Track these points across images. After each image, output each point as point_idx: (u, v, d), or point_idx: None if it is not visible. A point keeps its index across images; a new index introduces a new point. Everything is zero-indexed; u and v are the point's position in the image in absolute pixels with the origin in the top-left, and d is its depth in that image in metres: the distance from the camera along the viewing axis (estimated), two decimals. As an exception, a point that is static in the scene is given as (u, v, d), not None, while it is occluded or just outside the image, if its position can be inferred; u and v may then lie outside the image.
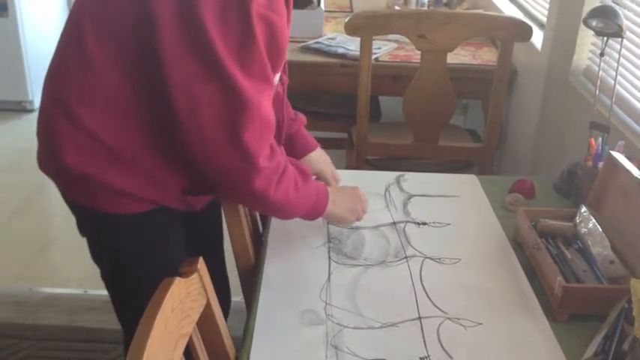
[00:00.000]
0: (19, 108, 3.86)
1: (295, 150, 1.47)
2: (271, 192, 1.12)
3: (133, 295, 1.19)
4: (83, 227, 1.25)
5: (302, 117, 1.51)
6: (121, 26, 1.06)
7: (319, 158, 1.49)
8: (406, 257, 1.30)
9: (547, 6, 2.18)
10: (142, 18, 1.01)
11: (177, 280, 0.89)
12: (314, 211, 1.27)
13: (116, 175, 1.11)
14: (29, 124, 3.77)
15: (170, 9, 0.98)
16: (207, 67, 1.00)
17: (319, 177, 1.46)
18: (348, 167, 2.38)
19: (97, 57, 1.07)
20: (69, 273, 2.45)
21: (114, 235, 1.20)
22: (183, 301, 0.90)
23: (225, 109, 1.03)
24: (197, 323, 0.95)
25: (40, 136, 1.17)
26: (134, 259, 1.22)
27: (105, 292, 2.31)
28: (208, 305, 0.98)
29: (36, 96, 3.88)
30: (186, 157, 1.09)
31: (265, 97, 1.08)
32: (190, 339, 0.93)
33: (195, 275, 0.94)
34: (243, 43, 1.01)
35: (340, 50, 2.39)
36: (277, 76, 1.19)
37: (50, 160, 1.16)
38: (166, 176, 1.15)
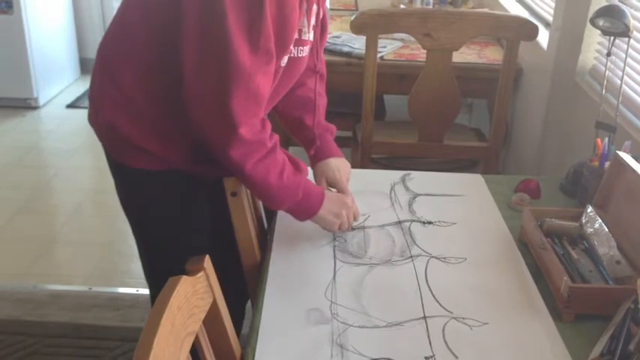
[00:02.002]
0: (24, 105, 3.87)
1: (315, 153, 1.46)
2: (248, 166, 1.16)
3: (156, 250, 1.38)
4: (115, 182, 1.37)
5: (332, 127, 1.52)
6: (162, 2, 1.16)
7: (338, 167, 1.45)
8: (411, 256, 1.30)
9: (553, 5, 2.18)
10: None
11: (184, 279, 0.89)
12: (303, 209, 1.28)
13: (139, 132, 1.23)
14: (34, 121, 3.78)
15: None
16: (214, 34, 1.07)
17: (332, 185, 1.42)
18: (353, 166, 2.35)
19: (137, 30, 1.19)
20: (74, 270, 2.46)
21: (135, 188, 1.33)
22: (189, 299, 0.90)
23: (218, 75, 1.09)
24: (203, 321, 0.95)
25: (89, 94, 1.32)
26: (152, 213, 1.34)
27: (109, 290, 2.35)
28: (214, 303, 0.98)
29: (41, 93, 3.89)
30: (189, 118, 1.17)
31: (262, 70, 1.13)
32: (197, 337, 0.93)
33: (201, 273, 0.95)
34: (253, 14, 1.08)
35: (345, 49, 2.39)
36: (285, 59, 1.22)
37: (93, 114, 1.30)
38: (181, 139, 1.24)
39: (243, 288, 1.42)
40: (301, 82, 1.41)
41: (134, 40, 1.21)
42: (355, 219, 1.36)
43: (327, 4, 2.69)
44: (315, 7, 1.26)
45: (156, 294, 0.86)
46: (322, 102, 1.50)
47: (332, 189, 1.40)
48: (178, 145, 1.26)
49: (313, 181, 1.42)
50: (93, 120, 1.32)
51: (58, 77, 4.12)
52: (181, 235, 1.34)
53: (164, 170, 1.28)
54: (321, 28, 1.37)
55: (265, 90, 1.16)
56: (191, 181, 1.32)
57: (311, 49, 1.32)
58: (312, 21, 1.26)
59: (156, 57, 1.20)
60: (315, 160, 1.46)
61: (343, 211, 1.32)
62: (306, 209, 1.28)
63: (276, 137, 1.22)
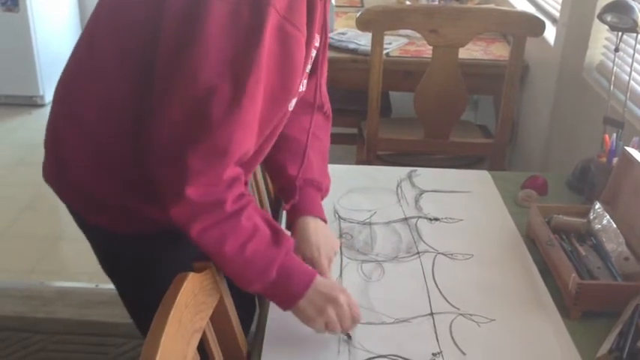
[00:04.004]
0: (29, 103, 3.87)
1: (291, 208, 1.20)
2: (194, 230, 0.93)
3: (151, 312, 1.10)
4: (95, 247, 1.19)
5: (325, 182, 1.24)
6: (136, 28, 0.97)
7: (317, 241, 1.15)
8: (418, 253, 1.29)
9: (560, 0, 2.17)
10: (157, 20, 0.92)
11: (191, 276, 0.89)
12: (278, 294, 1.01)
13: (121, 191, 1.04)
14: (40, 119, 3.78)
15: (179, 6, 0.89)
16: (184, 69, 0.88)
17: (309, 259, 1.14)
18: (359, 162, 2.37)
19: (109, 61, 1.00)
20: (80, 267, 2.46)
21: (121, 255, 1.13)
22: (196, 296, 0.90)
23: (181, 121, 0.90)
24: (210, 318, 0.95)
25: (47, 145, 1.10)
26: (144, 279, 1.12)
27: (116, 287, 2.33)
28: (221, 300, 0.98)
29: (47, 91, 3.89)
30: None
31: (241, 122, 0.92)
32: (204, 334, 0.93)
33: (208, 271, 0.95)
34: (244, 55, 0.88)
35: (351, 45, 2.38)
36: (293, 102, 1.06)
37: (55, 170, 1.10)
38: None
39: (250, 300, 1.36)
40: (295, 117, 1.14)
41: (108, 83, 1.00)
42: (353, 322, 1.03)
43: (333, 0, 2.69)
44: (317, 37, 1.06)
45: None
46: (319, 146, 1.25)
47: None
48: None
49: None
50: (52, 175, 1.11)
51: (64, 75, 4.13)
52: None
53: (153, 231, 1.07)
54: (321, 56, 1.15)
55: (241, 147, 0.94)
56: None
57: (309, 82, 1.12)
58: (312, 53, 1.06)
59: (136, 104, 0.99)
60: (291, 216, 1.19)
61: (329, 309, 1.00)
62: (281, 294, 1.01)
63: (247, 200, 0.98)
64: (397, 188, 1.54)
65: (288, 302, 1.01)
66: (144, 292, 1.05)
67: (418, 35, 2.09)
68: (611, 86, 1.58)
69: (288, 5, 0.92)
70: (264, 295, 1.03)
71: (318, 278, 1.03)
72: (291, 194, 1.18)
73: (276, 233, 1.00)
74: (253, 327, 1.11)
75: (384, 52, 2.16)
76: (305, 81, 1.08)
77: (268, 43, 0.90)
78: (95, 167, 1.04)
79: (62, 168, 1.07)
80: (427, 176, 1.60)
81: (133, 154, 1.01)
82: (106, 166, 1.04)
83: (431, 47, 2.05)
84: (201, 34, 0.86)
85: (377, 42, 2.03)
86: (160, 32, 0.91)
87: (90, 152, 1.04)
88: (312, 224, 1.16)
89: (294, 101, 1.06)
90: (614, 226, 1.21)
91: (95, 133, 1.03)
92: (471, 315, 1.12)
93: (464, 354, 1.03)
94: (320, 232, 1.16)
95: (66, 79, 1.08)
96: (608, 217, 1.24)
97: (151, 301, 0.86)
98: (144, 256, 1.12)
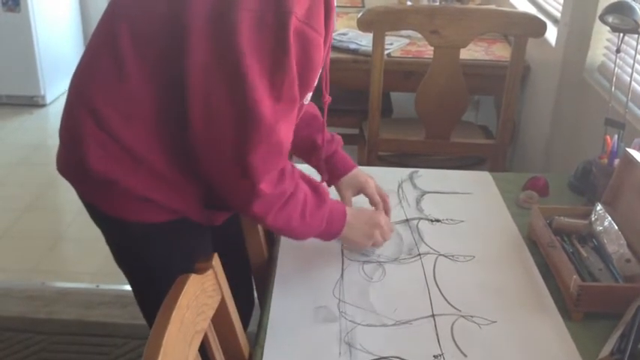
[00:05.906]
0: (30, 103, 3.88)
1: (335, 171, 1.38)
2: (269, 218, 1.08)
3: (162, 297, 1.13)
4: (110, 237, 1.21)
5: (338, 138, 1.42)
6: (155, 28, 1.02)
7: (360, 173, 1.39)
8: (419, 254, 1.29)
9: (561, 1, 2.16)
10: (177, 20, 0.96)
11: (193, 277, 0.89)
12: (325, 234, 1.21)
13: (139, 182, 1.07)
14: (41, 119, 3.79)
15: (204, 12, 0.94)
16: (229, 79, 0.95)
17: (363, 191, 1.36)
18: (360, 163, 2.37)
19: (129, 60, 1.03)
20: (81, 267, 2.47)
21: (138, 245, 1.16)
22: (198, 297, 0.90)
23: (236, 127, 0.98)
24: (212, 319, 0.95)
25: (63, 136, 1.13)
26: (160, 269, 1.15)
27: (117, 287, 2.36)
28: (223, 301, 0.98)
29: (48, 91, 3.90)
30: (197, 168, 1.06)
31: (285, 118, 1.02)
32: (205, 335, 0.93)
33: (210, 272, 0.94)
34: (276, 59, 0.96)
35: (352, 46, 2.38)
36: (309, 96, 1.13)
37: (72, 162, 1.12)
38: (188, 187, 1.11)
39: (249, 296, 1.39)
40: None
41: (127, 78, 1.03)
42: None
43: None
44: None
45: None
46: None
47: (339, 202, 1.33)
48: (186, 193, 1.11)
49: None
50: (68, 168, 1.14)
51: (65, 75, 4.10)
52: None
53: (171, 220, 1.13)
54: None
55: (288, 138, 1.05)
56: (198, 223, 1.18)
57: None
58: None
59: (152, 99, 1.04)
60: (338, 177, 1.37)
61: (376, 232, 1.23)
62: (328, 234, 1.21)
63: (296, 172, 1.12)
64: (398, 189, 1.54)
65: (332, 236, 1.21)
66: (160, 285, 1.06)
67: (419, 36, 2.09)
68: (613, 87, 1.58)
69: (308, 10, 0.98)
70: (314, 237, 1.20)
71: (355, 212, 1.23)
72: (327, 160, 1.37)
73: (315, 190, 1.15)
74: (254, 327, 1.10)
75: (385, 52, 2.16)
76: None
77: (293, 47, 0.96)
78: (118, 162, 1.06)
79: (80, 161, 1.07)
80: (428, 177, 1.60)
81: (157, 149, 1.05)
82: (130, 161, 1.06)
83: (432, 48, 2.06)
84: (236, 45, 0.93)
85: (378, 42, 2.03)
86: (183, 44, 0.95)
87: (111, 148, 1.05)
88: (358, 173, 1.38)
89: (309, 95, 1.13)
90: (616, 227, 1.21)
91: (116, 130, 1.05)
92: (472, 317, 1.12)
93: (465, 356, 1.03)
94: (360, 172, 1.39)
95: (84, 74, 1.09)
96: (609, 218, 1.24)
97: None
98: (162, 246, 1.16)
